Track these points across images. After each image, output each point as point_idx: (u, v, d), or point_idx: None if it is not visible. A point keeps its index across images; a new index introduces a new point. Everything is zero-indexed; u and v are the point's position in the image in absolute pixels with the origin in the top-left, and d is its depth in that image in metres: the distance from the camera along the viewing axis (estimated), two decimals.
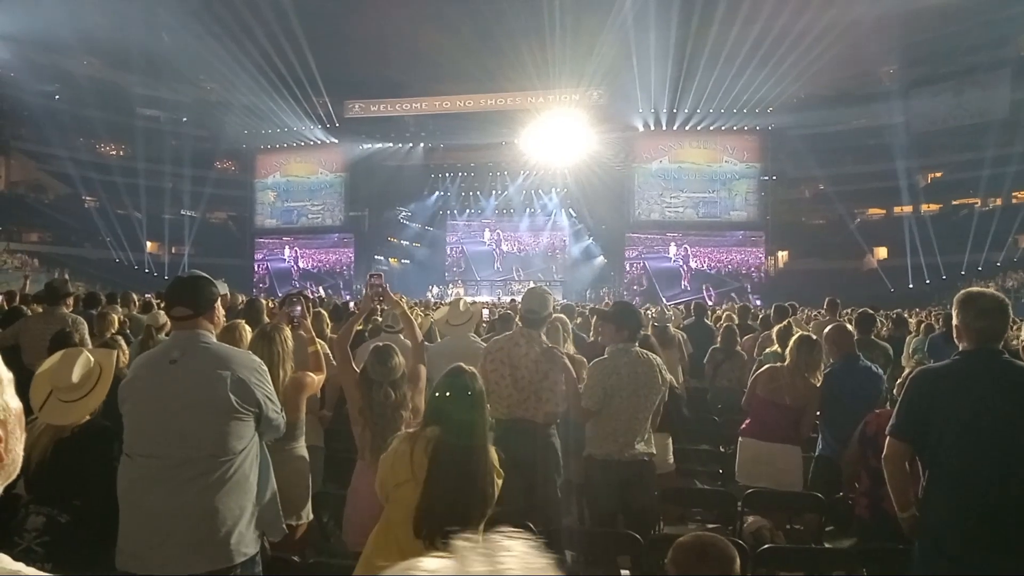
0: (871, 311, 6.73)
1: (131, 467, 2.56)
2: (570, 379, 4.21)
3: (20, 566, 0.80)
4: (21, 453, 0.91)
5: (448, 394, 2.65)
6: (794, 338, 4.88)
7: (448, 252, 38.12)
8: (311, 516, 3.78)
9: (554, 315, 5.55)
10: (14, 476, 0.91)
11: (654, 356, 4.18)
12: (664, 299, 32.18)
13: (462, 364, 2.79)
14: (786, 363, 4.80)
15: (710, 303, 25.48)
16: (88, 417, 2.93)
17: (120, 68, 38.85)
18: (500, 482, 2.62)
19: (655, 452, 4.12)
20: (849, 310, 12.24)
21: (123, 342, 4.22)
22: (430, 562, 0.68)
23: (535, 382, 4.17)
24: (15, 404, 0.90)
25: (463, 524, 2.45)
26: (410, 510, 2.47)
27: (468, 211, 37.82)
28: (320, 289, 31.59)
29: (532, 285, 5.14)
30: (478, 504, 2.51)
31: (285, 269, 38.47)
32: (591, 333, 7.31)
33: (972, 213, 33.39)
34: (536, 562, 0.68)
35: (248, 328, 3.87)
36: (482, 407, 2.64)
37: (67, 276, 15.37)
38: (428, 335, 6.28)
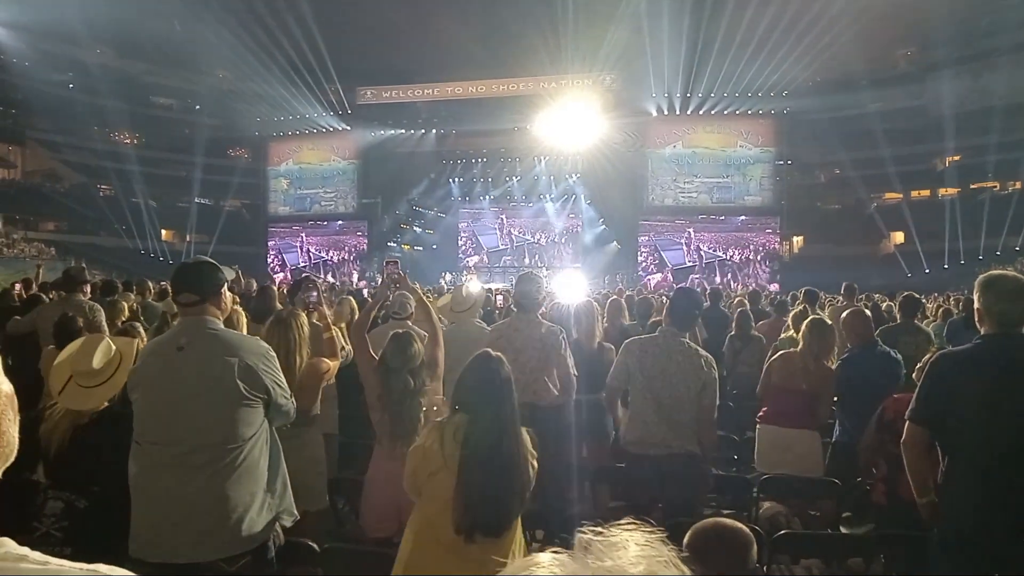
0: (916, 295, 6.67)
1: (141, 455, 2.56)
2: (564, 362, 4.20)
3: (25, 550, 0.79)
4: (16, 436, 0.90)
5: (475, 381, 2.62)
6: (806, 322, 4.82)
7: (461, 239, 38.11)
8: (326, 502, 3.79)
9: (587, 299, 5.56)
10: (11, 459, 0.89)
11: (701, 350, 4.06)
12: (671, 267, 32.18)
13: (489, 350, 2.76)
14: (799, 348, 4.76)
15: (727, 286, 25.39)
16: (106, 404, 2.95)
17: (133, 57, 39.04)
18: (536, 464, 2.58)
19: (697, 449, 3.99)
20: (864, 296, 12.14)
21: (142, 329, 4.24)
22: (546, 558, 0.65)
23: (539, 365, 4.17)
24: (5, 387, 0.89)
25: (502, 513, 2.45)
26: (446, 502, 2.44)
27: (480, 198, 37.73)
28: (329, 277, 31.67)
29: (526, 272, 5.07)
30: (516, 490, 2.48)
31: (298, 256, 38.63)
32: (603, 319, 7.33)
33: (990, 197, 32.97)
34: (657, 556, 0.64)
35: (243, 312, 3.86)
36: (510, 392, 2.60)
37: (83, 264, 15.50)
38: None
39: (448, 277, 31.47)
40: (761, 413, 4.79)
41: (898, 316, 6.42)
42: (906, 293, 6.75)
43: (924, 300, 12.32)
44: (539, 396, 4.11)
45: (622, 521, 0.69)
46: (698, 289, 13.04)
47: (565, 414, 4.29)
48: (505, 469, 2.47)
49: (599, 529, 0.67)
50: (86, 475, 2.77)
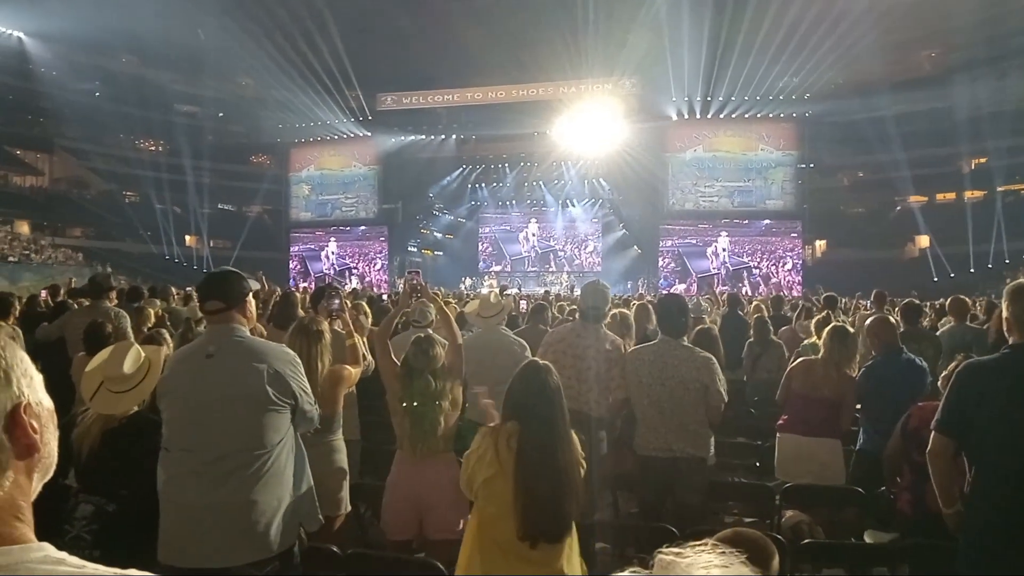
0: (917, 301, 6.59)
1: (170, 461, 2.61)
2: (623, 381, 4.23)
3: (64, 554, 0.83)
4: (55, 449, 0.94)
5: (525, 390, 2.64)
6: (827, 329, 4.78)
7: (481, 244, 38.19)
8: (349, 507, 3.83)
9: (617, 310, 5.53)
10: (51, 471, 0.93)
11: (699, 352, 4.07)
12: (695, 276, 31.96)
13: (536, 360, 2.79)
14: (820, 355, 4.71)
15: (747, 292, 25.17)
16: (136, 409, 3.00)
17: (158, 66, 39.61)
18: (583, 471, 2.62)
19: (704, 453, 4.03)
20: (888, 302, 11.98)
21: (168, 336, 4.30)
22: None
23: (599, 376, 4.17)
24: (47, 402, 0.93)
25: (560, 519, 2.49)
26: (504, 505, 2.48)
27: (501, 203, 37.81)
28: (353, 281, 31.85)
29: (591, 279, 5.00)
30: (573, 496, 2.51)
31: (320, 262, 38.89)
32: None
33: (1018, 200, 32.42)
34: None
35: (261, 327, 3.90)
36: (560, 401, 2.63)
37: (109, 270, 15.74)
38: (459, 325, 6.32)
39: (468, 281, 31.54)
40: (781, 421, 4.73)
41: (900, 324, 6.33)
42: (906, 300, 6.68)
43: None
44: (589, 406, 4.11)
45: (698, 543, 0.71)
46: (722, 295, 12.94)
47: (607, 427, 4.31)
48: (560, 475, 2.50)
49: (677, 550, 0.68)
50: (115, 479, 2.82)
